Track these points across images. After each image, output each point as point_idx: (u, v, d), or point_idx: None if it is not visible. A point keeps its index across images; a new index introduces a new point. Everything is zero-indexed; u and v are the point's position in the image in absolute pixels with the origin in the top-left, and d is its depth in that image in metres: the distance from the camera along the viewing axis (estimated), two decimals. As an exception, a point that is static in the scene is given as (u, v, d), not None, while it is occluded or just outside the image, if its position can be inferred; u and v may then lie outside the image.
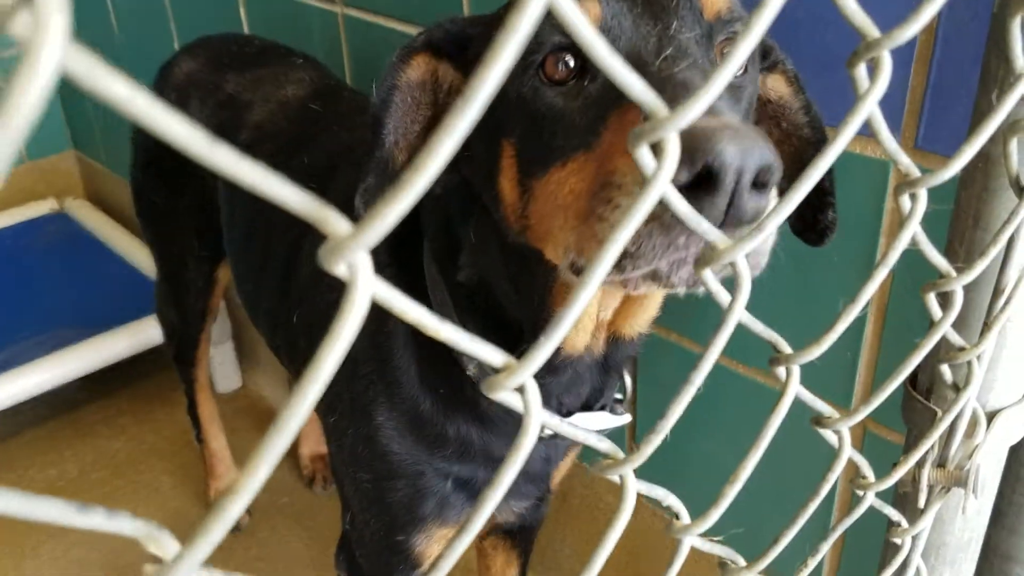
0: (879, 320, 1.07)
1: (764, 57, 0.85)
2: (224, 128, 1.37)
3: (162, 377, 2.26)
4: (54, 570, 1.85)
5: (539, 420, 0.33)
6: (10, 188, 2.63)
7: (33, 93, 0.16)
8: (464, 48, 0.82)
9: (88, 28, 2.27)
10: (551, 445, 1.07)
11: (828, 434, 0.53)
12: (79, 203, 2.61)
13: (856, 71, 0.36)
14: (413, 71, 0.81)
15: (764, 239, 0.38)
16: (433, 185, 0.84)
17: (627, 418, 1.02)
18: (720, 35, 0.73)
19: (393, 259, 1.00)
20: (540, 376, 0.86)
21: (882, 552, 0.75)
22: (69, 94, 2.59)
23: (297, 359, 1.27)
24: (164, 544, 0.25)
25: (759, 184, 0.54)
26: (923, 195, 0.44)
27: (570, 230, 0.69)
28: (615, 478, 0.39)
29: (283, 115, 1.34)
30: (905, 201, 0.45)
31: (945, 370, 0.61)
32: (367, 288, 0.26)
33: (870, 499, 0.60)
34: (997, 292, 0.59)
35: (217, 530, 0.26)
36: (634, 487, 0.39)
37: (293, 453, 2.03)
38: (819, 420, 0.53)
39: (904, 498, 0.72)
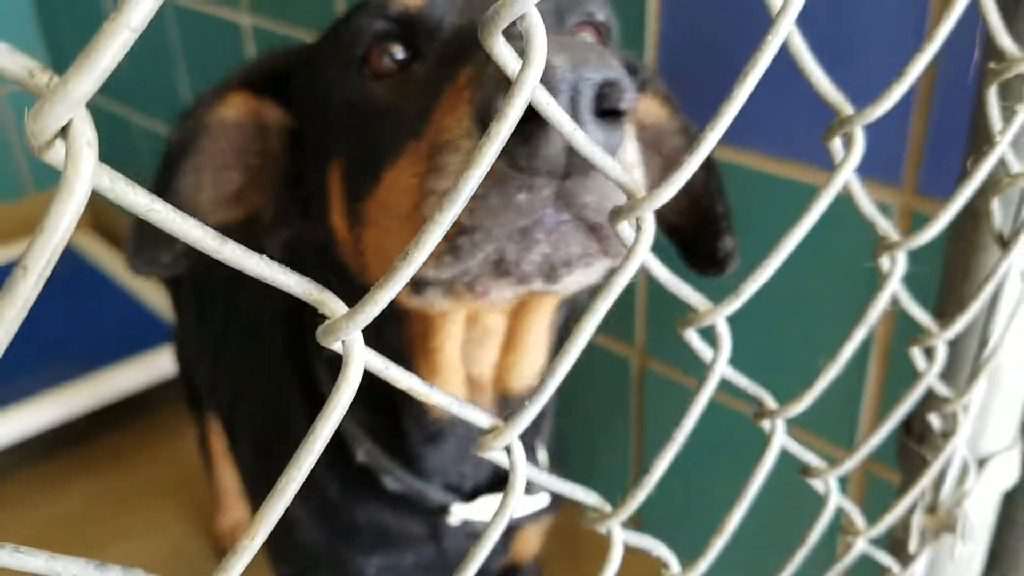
0: (882, 356, 1.07)
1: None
2: None
3: (166, 411, 2.27)
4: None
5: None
6: (17, 220, 2.65)
7: (68, 216, 0.18)
8: (285, 82, 0.74)
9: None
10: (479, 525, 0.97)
11: (816, 483, 0.54)
12: (86, 237, 2.63)
13: (831, 144, 0.38)
14: (228, 110, 0.73)
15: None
16: (268, 244, 0.82)
17: (544, 499, 0.94)
18: (572, 16, 0.65)
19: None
20: (417, 446, 0.85)
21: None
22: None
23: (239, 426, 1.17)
24: None
25: (606, 112, 0.43)
26: (901, 257, 0.46)
27: (405, 236, 0.58)
28: (603, 531, 0.41)
29: None
30: (884, 262, 0.46)
31: (934, 419, 0.63)
32: (361, 360, 0.27)
33: (861, 546, 0.61)
34: (982, 343, 0.60)
35: None
36: (621, 539, 0.40)
37: (210, 526, 2.01)
38: (807, 470, 0.54)
39: (897, 543, 0.72)
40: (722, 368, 0.39)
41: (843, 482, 1.15)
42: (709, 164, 0.80)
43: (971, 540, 0.73)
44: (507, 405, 0.83)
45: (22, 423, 1.97)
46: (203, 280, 1.31)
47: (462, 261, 0.52)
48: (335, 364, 0.86)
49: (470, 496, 0.91)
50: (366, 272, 0.67)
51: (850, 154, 0.37)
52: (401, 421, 0.85)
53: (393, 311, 0.66)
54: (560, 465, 1.07)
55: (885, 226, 0.45)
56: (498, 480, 0.91)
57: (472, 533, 0.98)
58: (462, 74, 0.53)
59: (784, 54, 0.35)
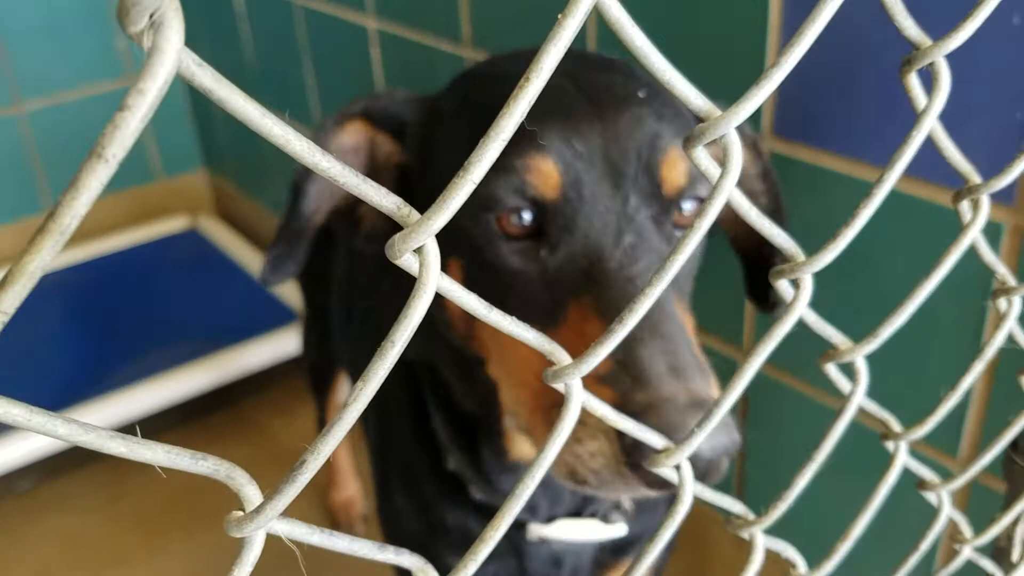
0: (990, 368, 1.09)
1: None
2: None
3: (286, 389, 2.39)
4: (183, 566, 1.98)
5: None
6: (145, 205, 2.80)
7: (151, 94, 0.22)
8: (402, 124, 0.81)
9: (224, 61, 2.42)
10: (559, 548, 1.00)
11: (931, 496, 0.59)
12: (210, 220, 2.77)
13: (960, 206, 0.43)
14: (347, 137, 0.79)
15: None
16: (364, 246, 0.89)
17: (621, 529, 0.98)
18: (681, 201, 0.72)
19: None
20: (493, 475, 0.90)
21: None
22: (202, 115, 2.76)
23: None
24: (249, 495, 0.32)
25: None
26: (1018, 301, 0.50)
27: (518, 400, 0.70)
28: (745, 536, 0.47)
29: None
30: (1002, 304, 0.51)
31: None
32: (436, 266, 0.32)
33: (967, 553, 0.66)
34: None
35: (290, 491, 0.33)
36: (762, 544, 0.46)
37: (323, 499, 2.12)
38: (922, 484, 0.59)
39: (1000, 551, 0.76)
40: (859, 400, 0.45)
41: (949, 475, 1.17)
42: (780, 213, 0.86)
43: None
44: None
45: (155, 396, 2.12)
46: (351, 283, 1.42)
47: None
48: (415, 366, 0.90)
49: (547, 521, 0.96)
50: (472, 345, 0.75)
51: (977, 217, 0.42)
52: (480, 450, 0.90)
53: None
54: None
55: (1003, 271, 0.50)
56: (575, 512, 0.96)
57: (554, 557, 1.02)
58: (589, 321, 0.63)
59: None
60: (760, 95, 0.33)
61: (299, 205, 0.78)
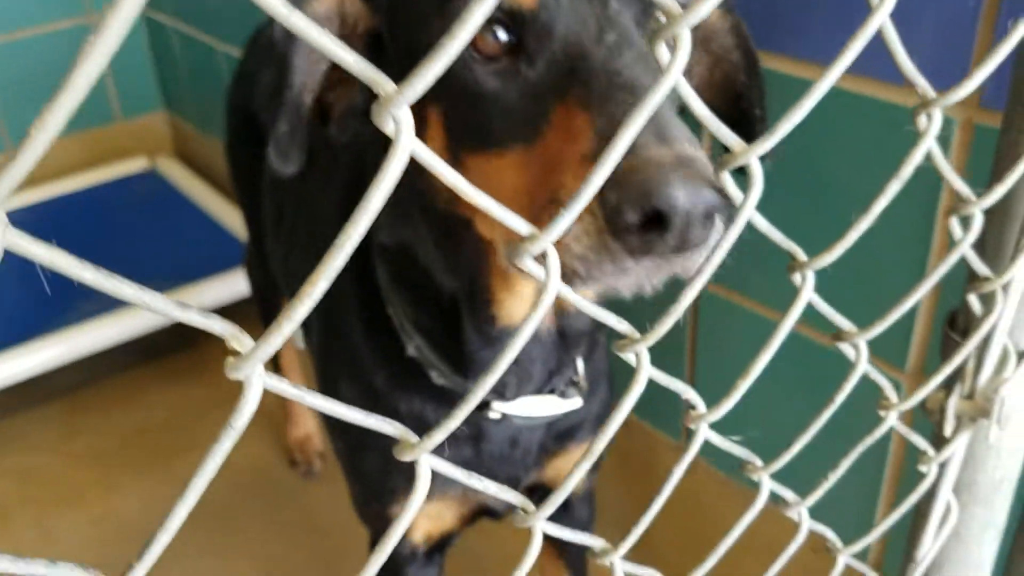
0: (935, 293, 1.08)
1: None
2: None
3: (245, 328, 2.35)
4: (137, 503, 1.96)
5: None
6: (104, 146, 2.76)
7: None
8: None
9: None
10: (512, 428, 1.02)
11: (847, 348, 0.57)
12: (169, 162, 2.73)
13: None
14: (320, 3, 0.76)
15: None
16: (338, 132, 0.84)
17: (577, 402, 0.99)
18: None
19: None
20: (472, 350, 0.88)
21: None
22: (161, 57, 2.71)
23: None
24: (242, 340, 0.31)
25: (706, 218, 0.51)
26: (937, 115, 0.47)
27: (506, 202, 0.66)
28: (631, 357, 0.44)
29: None
30: (922, 120, 0.48)
31: (973, 300, 0.64)
32: (410, 133, 0.30)
33: (891, 420, 0.64)
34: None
35: (275, 340, 0.31)
36: (647, 366, 0.43)
37: (281, 437, 2.10)
38: (838, 335, 0.56)
39: (936, 427, 0.74)
40: (753, 204, 0.42)
41: (901, 388, 1.16)
42: (754, 68, 0.83)
43: (1008, 432, 0.75)
44: (566, 317, 0.90)
45: (108, 333, 2.09)
46: (280, 184, 1.37)
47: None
48: (387, 252, 0.87)
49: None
50: (458, 203, 0.72)
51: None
52: (463, 326, 0.89)
53: (477, 235, 0.73)
54: (607, 381, 1.11)
55: (923, 84, 0.47)
56: (538, 390, 0.96)
57: (511, 438, 1.03)
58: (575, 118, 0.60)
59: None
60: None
61: (289, 76, 0.73)
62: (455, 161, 0.70)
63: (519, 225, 0.36)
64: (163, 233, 2.49)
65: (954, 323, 0.73)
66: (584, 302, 0.41)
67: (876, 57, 1.01)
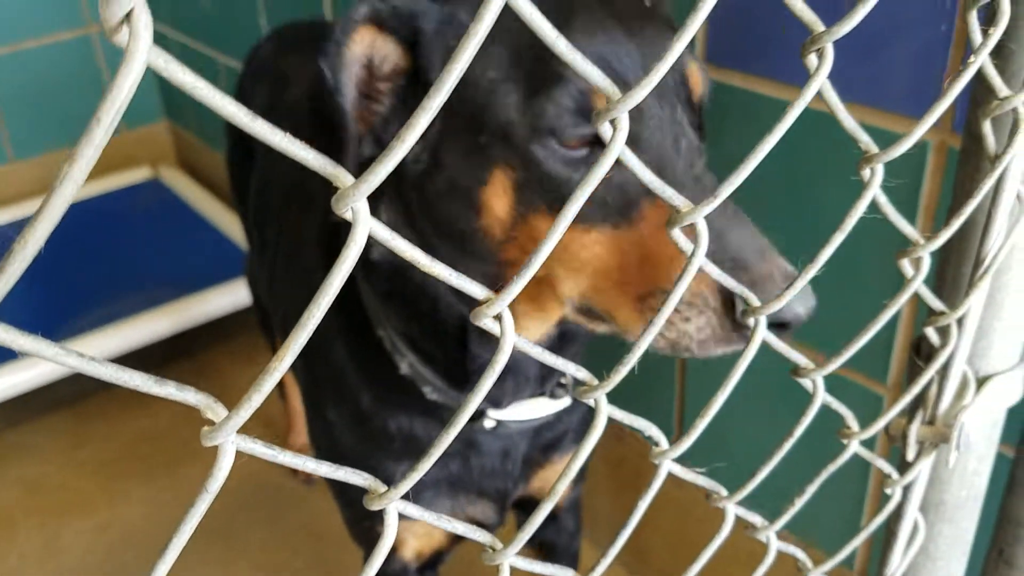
0: (914, 301, 1.10)
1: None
2: (271, 104, 1.43)
3: (246, 337, 2.39)
4: (143, 510, 1.99)
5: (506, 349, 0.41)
6: (108, 156, 2.77)
7: (128, 83, 0.25)
8: (414, 29, 0.79)
9: (180, 3, 2.40)
10: (504, 437, 1.05)
11: (806, 382, 0.59)
12: (172, 171, 2.76)
13: (807, 60, 0.43)
14: (357, 47, 0.78)
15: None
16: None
17: (566, 402, 1.03)
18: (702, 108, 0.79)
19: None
20: (475, 368, 0.92)
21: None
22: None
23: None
24: (216, 410, 0.34)
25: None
26: (880, 169, 0.50)
27: (594, 288, 0.75)
28: (590, 402, 0.47)
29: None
30: (866, 173, 0.51)
31: (931, 333, 0.67)
32: (366, 225, 0.33)
33: (854, 447, 0.67)
34: (978, 261, 0.64)
35: (248, 405, 0.34)
36: (606, 410, 0.46)
37: (284, 445, 2.13)
38: (796, 371, 0.59)
39: (903, 457, 0.77)
40: (700, 260, 0.45)
41: (883, 401, 1.18)
42: None
43: (972, 454, 0.78)
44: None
45: (112, 343, 2.11)
46: (262, 205, 1.40)
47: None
48: (379, 270, 0.90)
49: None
50: (507, 247, 0.78)
51: (822, 65, 0.42)
52: (469, 345, 0.91)
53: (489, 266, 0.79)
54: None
55: (866, 139, 0.50)
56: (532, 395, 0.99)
57: (504, 449, 1.06)
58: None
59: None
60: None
61: (346, 124, 0.77)
62: (521, 219, 0.76)
63: (475, 291, 0.39)
64: (166, 242, 2.52)
65: (919, 350, 0.76)
66: (544, 353, 0.44)
67: (860, 85, 1.04)
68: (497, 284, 0.82)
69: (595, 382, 0.46)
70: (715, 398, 0.52)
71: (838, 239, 0.51)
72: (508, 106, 0.74)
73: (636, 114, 0.70)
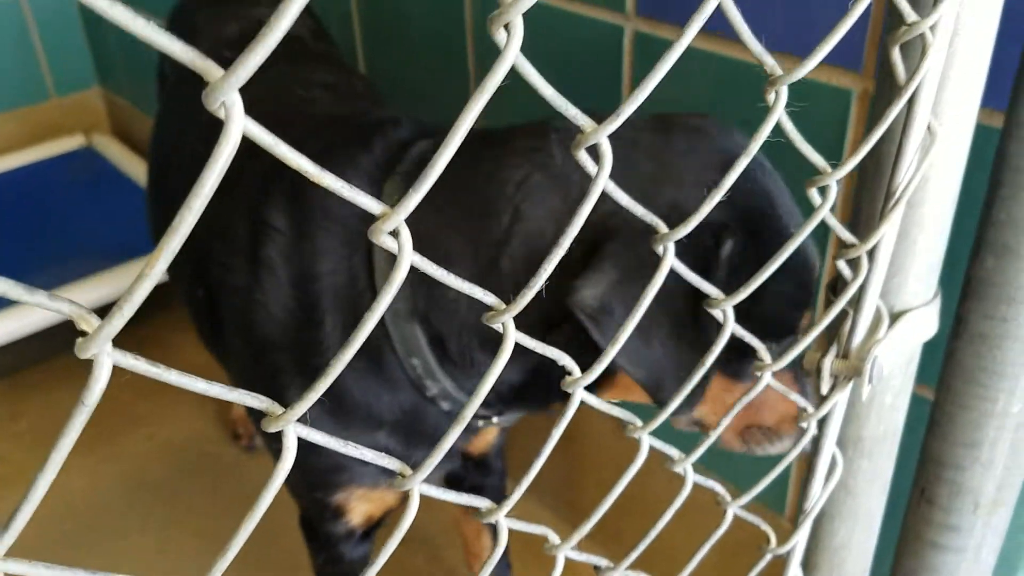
0: (837, 244, 1.12)
1: None
2: None
3: (183, 307, 2.35)
4: (84, 480, 1.97)
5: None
6: (39, 124, 2.73)
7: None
8: None
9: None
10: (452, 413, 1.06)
11: (717, 313, 0.60)
12: (106, 139, 2.71)
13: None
14: None
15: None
16: None
17: None
18: None
19: None
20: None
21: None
22: (95, 33, 2.68)
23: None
24: (90, 321, 0.33)
25: None
26: (784, 91, 0.51)
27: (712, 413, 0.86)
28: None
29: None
30: (771, 96, 0.51)
31: (842, 266, 0.68)
32: (239, 123, 0.33)
33: (767, 378, 0.68)
34: (888, 194, 0.65)
35: (119, 317, 0.33)
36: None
37: (224, 413, 2.13)
38: (708, 302, 0.60)
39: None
40: (603, 182, 0.45)
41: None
42: None
43: (888, 389, 0.80)
44: None
45: (48, 313, 2.08)
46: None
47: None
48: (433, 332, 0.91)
49: None
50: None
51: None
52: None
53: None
54: None
55: (771, 63, 0.50)
56: None
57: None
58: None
59: None
60: None
61: None
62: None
63: (370, 204, 0.39)
64: (101, 210, 2.48)
65: (835, 288, 0.77)
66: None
67: (788, 35, 1.05)
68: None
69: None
70: (623, 329, 0.53)
71: (743, 163, 0.51)
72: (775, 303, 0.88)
73: None
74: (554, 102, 0.44)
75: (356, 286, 0.92)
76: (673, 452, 0.66)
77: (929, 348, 0.94)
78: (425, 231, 0.83)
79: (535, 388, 0.93)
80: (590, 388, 0.53)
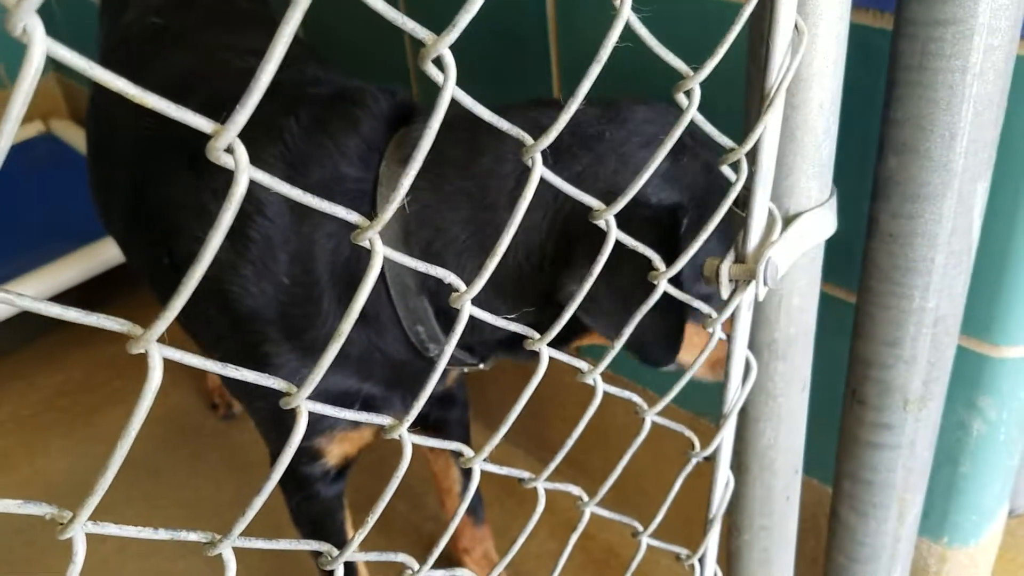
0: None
1: None
2: (111, 27, 1.45)
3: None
4: (64, 463, 2.00)
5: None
6: (-2, 114, 2.72)
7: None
8: None
9: None
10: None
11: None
12: (64, 123, 2.71)
13: None
14: None
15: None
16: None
17: None
18: None
19: None
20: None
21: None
22: (44, 18, 2.66)
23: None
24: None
25: None
26: (696, 92, 0.53)
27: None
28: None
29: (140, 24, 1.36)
30: (681, 98, 0.53)
31: (727, 170, 0.70)
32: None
33: (663, 285, 0.70)
34: (763, 96, 0.67)
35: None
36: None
37: (199, 383, 2.15)
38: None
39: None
40: (450, 91, 0.47)
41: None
42: None
43: (795, 291, 0.82)
44: None
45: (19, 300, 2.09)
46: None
47: None
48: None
49: None
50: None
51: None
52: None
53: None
54: None
55: (682, 67, 0.52)
56: None
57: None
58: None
59: None
60: None
61: None
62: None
63: (200, 123, 0.41)
64: (63, 195, 2.47)
65: (737, 201, 0.79)
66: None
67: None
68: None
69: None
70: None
71: (595, 70, 0.53)
72: None
73: None
74: (387, 15, 0.46)
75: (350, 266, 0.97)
76: (582, 364, 0.69)
77: (849, 251, 0.97)
78: (429, 219, 0.91)
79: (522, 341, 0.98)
80: (567, 339, 0.58)
